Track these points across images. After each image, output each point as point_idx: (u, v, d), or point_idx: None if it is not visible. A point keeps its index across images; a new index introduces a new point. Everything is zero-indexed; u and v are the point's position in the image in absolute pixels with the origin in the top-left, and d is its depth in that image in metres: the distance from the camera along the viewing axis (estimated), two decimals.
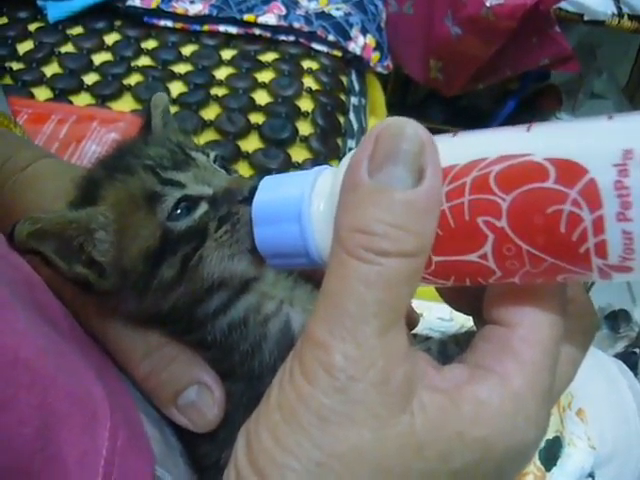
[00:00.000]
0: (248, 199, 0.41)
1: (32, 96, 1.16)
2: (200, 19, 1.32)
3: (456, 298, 0.41)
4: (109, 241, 0.44)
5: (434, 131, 0.31)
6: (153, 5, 1.32)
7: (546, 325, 0.33)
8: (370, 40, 1.35)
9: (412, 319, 0.50)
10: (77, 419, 0.37)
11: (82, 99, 1.17)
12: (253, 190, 0.40)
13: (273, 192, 0.38)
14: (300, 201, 0.36)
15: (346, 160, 0.34)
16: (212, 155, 0.47)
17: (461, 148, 0.32)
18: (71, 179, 0.48)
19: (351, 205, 0.30)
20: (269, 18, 1.29)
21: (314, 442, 0.30)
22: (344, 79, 1.29)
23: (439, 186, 0.30)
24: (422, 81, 1.62)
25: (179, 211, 0.43)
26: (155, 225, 0.43)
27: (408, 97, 2.07)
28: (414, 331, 0.51)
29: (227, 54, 1.29)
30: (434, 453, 0.31)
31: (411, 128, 0.30)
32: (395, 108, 1.72)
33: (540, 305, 0.33)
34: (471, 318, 0.41)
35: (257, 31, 1.30)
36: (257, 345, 0.45)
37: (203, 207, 0.44)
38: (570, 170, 0.27)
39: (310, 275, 0.49)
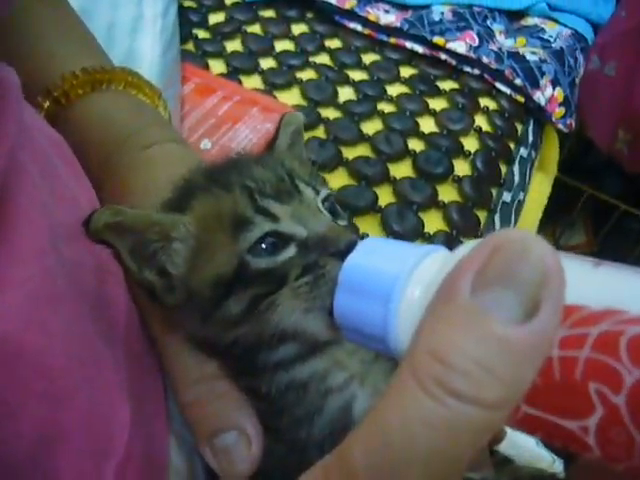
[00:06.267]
0: (342, 254, 0.36)
1: (207, 67, 1.17)
2: (389, 30, 1.28)
3: None
4: (184, 255, 0.40)
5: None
6: (347, 6, 1.29)
7: None
8: (559, 93, 1.25)
9: (496, 434, 0.44)
10: (83, 441, 0.34)
11: (252, 81, 1.17)
12: (351, 246, 0.35)
13: (370, 258, 0.33)
14: (394, 281, 0.30)
15: (465, 249, 0.28)
16: (323, 193, 0.43)
17: (598, 286, 0.25)
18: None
19: (438, 321, 0.25)
20: (459, 46, 1.23)
21: None
22: (519, 127, 1.21)
23: (552, 330, 0.24)
24: (604, 149, 1.49)
25: (264, 246, 0.39)
26: (234, 253, 0.39)
27: (588, 159, 1.93)
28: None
29: (406, 72, 1.24)
30: None
31: (538, 251, 0.24)
32: (569, 168, 1.61)
33: None
34: None
35: (443, 56, 1.25)
36: (310, 416, 0.40)
37: (291, 250, 0.39)
38: None
39: None
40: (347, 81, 1.20)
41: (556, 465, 0.46)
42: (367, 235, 0.90)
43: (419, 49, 1.26)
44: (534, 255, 0.24)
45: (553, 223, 1.93)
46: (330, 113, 1.12)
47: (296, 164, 0.46)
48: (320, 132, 1.08)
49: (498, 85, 1.23)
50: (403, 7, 1.31)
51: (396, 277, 0.30)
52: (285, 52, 1.24)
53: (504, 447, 0.47)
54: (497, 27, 1.32)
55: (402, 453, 0.24)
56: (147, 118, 0.59)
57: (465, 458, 0.24)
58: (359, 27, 1.30)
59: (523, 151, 1.21)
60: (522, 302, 0.23)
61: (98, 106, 0.58)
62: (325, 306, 0.38)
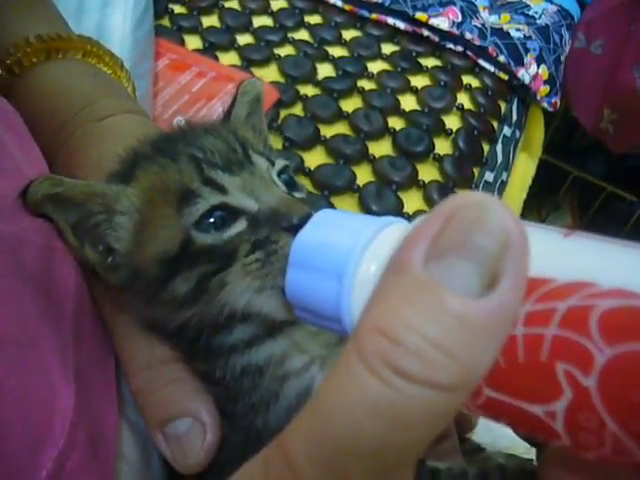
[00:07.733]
0: (296, 228, 0.33)
1: (182, 43, 1.14)
2: (371, 6, 1.24)
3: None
4: (128, 230, 0.38)
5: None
6: None
7: None
8: (543, 71, 1.23)
9: (468, 421, 0.41)
10: (19, 430, 0.32)
11: (229, 58, 1.13)
12: (306, 219, 0.32)
13: (323, 232, 0.30)
14: (348, 256, 0.28)
15: (419, 221, 0.25)
16: (279, 165, 0.40)
17: (567, 258, 0.23)
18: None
19: (387, 294, 0.22)
20: (442, 21, 1.20)
21: None
22: (503, 105, 1.18)
23: (514, 303, 0.21)
24: (589, 129, 1.47)
25: (212, 220, 0.36)
26: (179, 228, 0.36)
27: (573, 140, 1.91)
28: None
29: (388, 48, 1.21)
30: None
31: (497, 217, 0.21)
32: (554, 148, 1.58)
33: None
34: None
35: (425, 32, 1.22)
36: (266, 402, 0.38)
37: (241, 225, 0.36)
38: None
39: None
40: (327, 57, 1.17)
41: (533, 451, 0.44)
42: None
43: (401, 25, 1.23)
44: (493, 221, 0.21)
45: (538, 205, 1.92)
46: (309, 90, 1.09)
47: (251, 134, 0.43)
48: (298, 109, 1.05)
49: (481, 62, 1.20)
50: None
51: (350, 251, 0.28)
52: (263, 28, 1.21)
53: (478, 434, 0.45)
54: (481, 3, 1.29)
55: (345, 442, 0.21)
56: (105, 88, 0.56)
57: (417, 448, 0.22)
58: (339, 2, 1.27)
59: (507, 130, 1.18)
60: (480, 273, 0.21)
61: (53, 75, 0.55)
62: (279, 284, 0.36)
